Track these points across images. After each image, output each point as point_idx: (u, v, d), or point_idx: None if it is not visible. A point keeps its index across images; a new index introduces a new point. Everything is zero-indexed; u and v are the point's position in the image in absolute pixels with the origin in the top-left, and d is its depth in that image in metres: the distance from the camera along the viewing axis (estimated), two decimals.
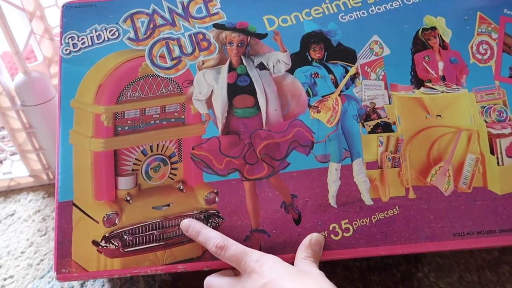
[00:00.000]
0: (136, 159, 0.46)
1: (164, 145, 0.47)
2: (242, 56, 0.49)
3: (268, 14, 0.51)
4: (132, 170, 0.46)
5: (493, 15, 0.51)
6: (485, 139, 0.48)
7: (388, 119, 0.48)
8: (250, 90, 0.48)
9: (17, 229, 0.62)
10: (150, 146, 0.47)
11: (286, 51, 0.49)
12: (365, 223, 0.46)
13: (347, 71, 0.49)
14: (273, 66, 0.49)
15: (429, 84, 0.50)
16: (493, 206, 0.46)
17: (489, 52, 0.50)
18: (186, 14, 0.51)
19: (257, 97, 0.48)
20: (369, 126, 0.48)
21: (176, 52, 0.49)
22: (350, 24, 0.51)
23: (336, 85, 0.49)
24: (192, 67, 0.49)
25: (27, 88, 0.60)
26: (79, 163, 0.46)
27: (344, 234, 0.45)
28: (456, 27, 0.51)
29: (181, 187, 0.46)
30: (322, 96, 0.49)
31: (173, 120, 0.48)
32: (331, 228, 0.45)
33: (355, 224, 0.46)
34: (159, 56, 0.49)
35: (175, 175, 0.47)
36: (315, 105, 0.48)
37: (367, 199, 0.46)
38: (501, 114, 0.49)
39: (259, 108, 0.48)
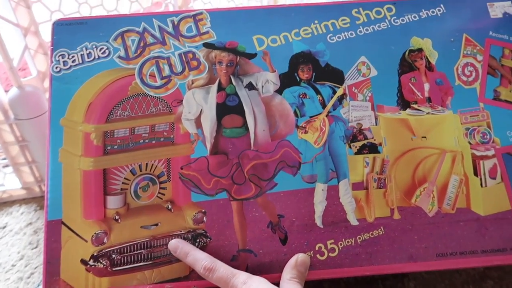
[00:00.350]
0: (125, 178, 0.47)
1: (153, 164, 0.48)
2: (231, 76, 0.49)
3: (257, 34, 0.51)
4: (121, 189, 0.47)
5: (478, 37, 0.52)
6: (469, 161, 0.49)
7: (374, 140, 0.49)
8: (239, 110, 0.49)
9: (8, 242, 0.63)
10: (139, 165, 0.47)
11: (275, 71, 0.50)
12: (350, 243, 0.46)
13: (334, 92, 0.50)
14: (262, 86, 0.49)
15: (415, 106, 0.50)
16: (476, 227, 0.47)
17: (474, 74, 0.51)
18: (176, 33, 0.51)
19: (246, 117, 0.48)
20: (356, 147, 0.49)
21: (166, 71, 0.50)
22: (338, 45, 0.51)
23: (323, 105, 0.50)
24: (182, 86, 0.49)
25: (21, 102, 0.61)
26: (68, 181, 0.46)
27: (330, 254, 0.46)
28: (442, 49, 0.52)
29: (170, 206, 0.47)
30: (310, 117, 0.49)
31: (162, 139, 0.48)
32: (317, 248, 0.46)
33: (341, 244, 0.46)
34: (149, 75, 0.49)
35: (164, 194, 0.48)
36: (303, 125, 0.49)
37: (353, 220, 0.47)
38: (485, 136, 0.49)
39: (247, 128, 0.48)
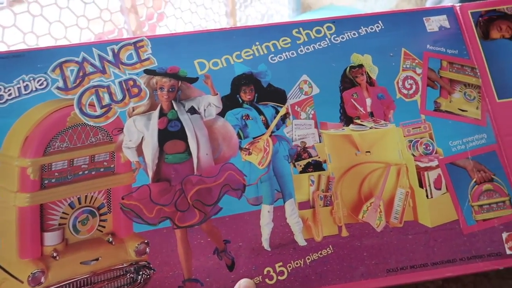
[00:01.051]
0: (63, 212, 0.45)
1: (92, 196, 0.46)
2: (173, 101, 0.49)
3: (199, 58, 0.51)
4: (59, 224, 0.45)
5: (416, 51, 0.53)
6: (414, 173, 0.49)
7: (319, 157, 0.49)
8: (181, 135, 0.48)
9: None
10: (78, 198, 0.46)
11: (217, 94, 0.49)
12: (299, 264, 0.45)
13: (277, 112, 0.50)
14: (204, 110, 0.49)
15: (358, 121, 0.51)
16: (424, 239, 0.47)
17: (414, 87, 0.52)
18: (116, 61, 0.51)
19: (188, 142, 0.48)
20: (300, 165, 0.48)
21: (106, 99, 0.49)
22: (279, 65, 0.52)
23: (267, 126, 0.50)
24: (122, 114, 0.48)
25: None
26: (2, 220, 0.44)
27: (279, 277, 0.45)
28: (382, 63, 0.53)
29: (110, 239, 0.45)
30: (253, 138, 0.49)
31: (102, 169, 0.47)
32: (265, 272, 0.45)
33: (290, 267, 0.45)
34: (89, 105, 0.48)
35: (104, 227, 0.46)
36: (246, 147, 0.48)
37: (301, 240, 0.46)
38: (428, 147, 0.50)
39: (190, 153, 0.47)
